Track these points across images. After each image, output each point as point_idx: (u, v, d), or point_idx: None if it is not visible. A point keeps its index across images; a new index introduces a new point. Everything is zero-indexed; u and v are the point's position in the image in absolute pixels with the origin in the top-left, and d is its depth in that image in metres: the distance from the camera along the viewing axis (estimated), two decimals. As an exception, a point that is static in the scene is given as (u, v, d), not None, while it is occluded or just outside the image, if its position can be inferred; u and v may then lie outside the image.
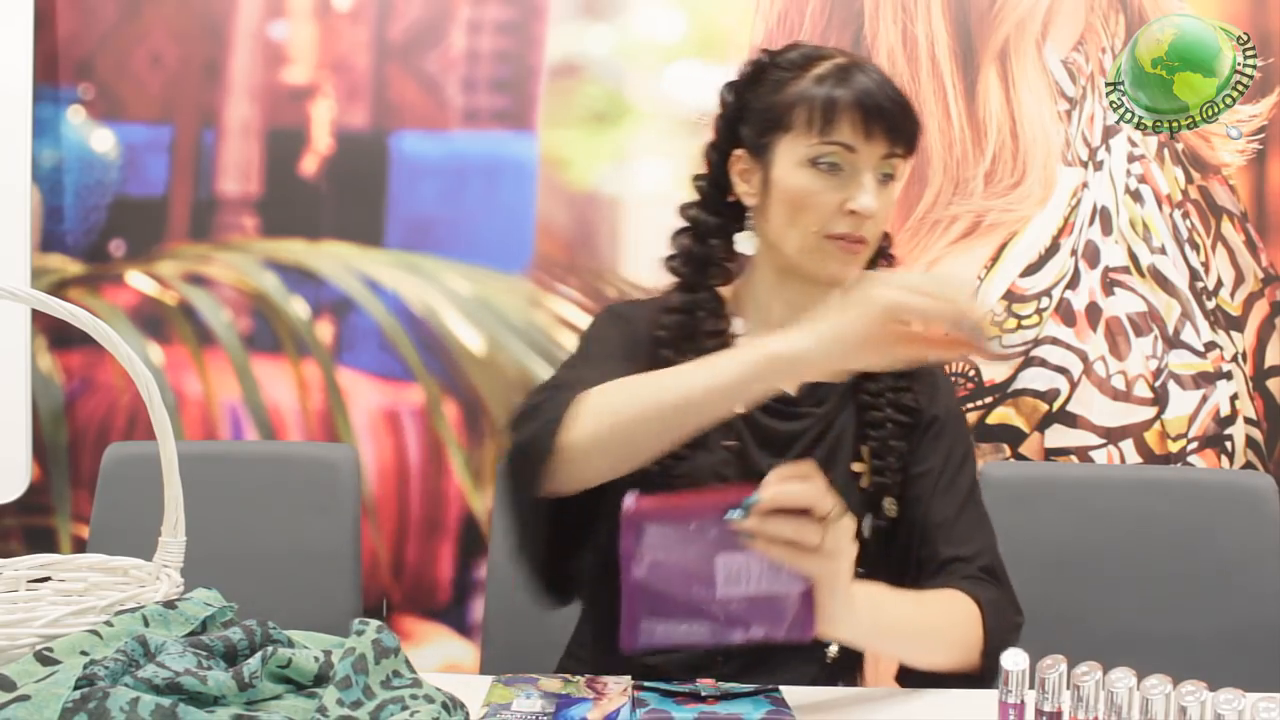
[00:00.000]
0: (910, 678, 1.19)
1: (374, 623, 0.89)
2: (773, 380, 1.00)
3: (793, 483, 0.94)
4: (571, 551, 1.15)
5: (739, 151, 1.19)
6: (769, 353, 0.98)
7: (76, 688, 0.76)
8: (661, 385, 1.03)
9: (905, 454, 1.20)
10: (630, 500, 0.95)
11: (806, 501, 0.93)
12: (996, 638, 1.14)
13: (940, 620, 1.14)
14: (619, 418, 1.04)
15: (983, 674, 1.15)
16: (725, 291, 1.23)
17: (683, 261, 1.22)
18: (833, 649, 1.20)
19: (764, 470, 1.02)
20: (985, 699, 1.01)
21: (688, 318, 1.20)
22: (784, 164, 1.15)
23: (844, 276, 1.16)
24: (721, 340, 1.20)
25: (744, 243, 1.21)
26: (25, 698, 0.75)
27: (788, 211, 1.15)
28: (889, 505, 1.19)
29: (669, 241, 1.24)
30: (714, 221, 1.21)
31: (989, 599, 1.16)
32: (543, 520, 1.11)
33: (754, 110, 1.18)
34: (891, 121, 1.12)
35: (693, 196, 1.24)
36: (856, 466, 1.20)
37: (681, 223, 1.24)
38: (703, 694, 1.01)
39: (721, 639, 0.97)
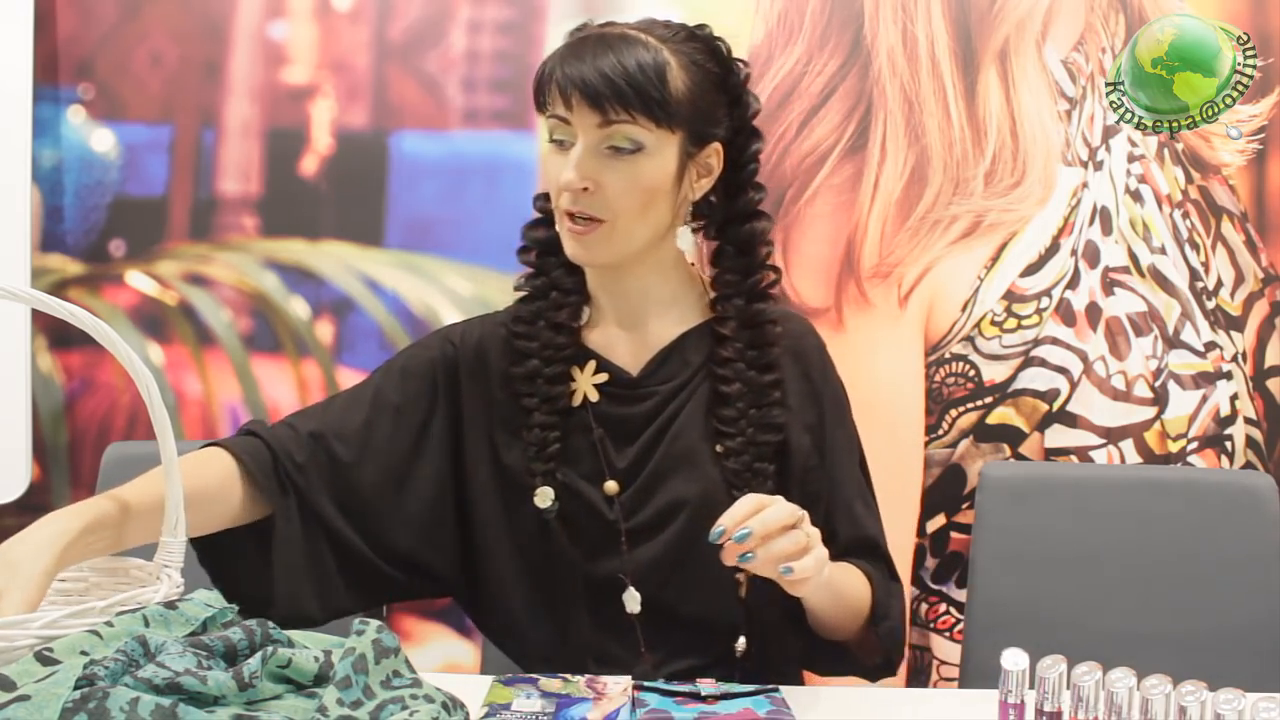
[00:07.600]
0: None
1: (374, 623, 0.89)
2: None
3: (764, 510, 1.00)
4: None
5: None
6: None
7: (76, 688, 0.76)
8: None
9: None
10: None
11: (788, 519, 1.00)
12: (883, 606, 1.19)
13: (857, 587, 1.19)
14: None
15: (872, 645, 1.20)
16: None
17: (534, 252, 1.23)
18: (740, 643, 1.17)
19: (619, 462, 1.15)
20: (985, 699, 1.01)
21: (541, 302, 1.21)
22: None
23: (580, 258, 1.16)
24: (567, 327, 1.20)
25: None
26: (25, 698, 0.75)
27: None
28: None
29: (522, 234, 1.24)
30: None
31: (877, 577, 1.20)
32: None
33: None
34: (590, 90, 1.08)
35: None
36: (719, 448, 1.18)
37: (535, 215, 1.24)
38: (703, 694, 1.01)
39: None
